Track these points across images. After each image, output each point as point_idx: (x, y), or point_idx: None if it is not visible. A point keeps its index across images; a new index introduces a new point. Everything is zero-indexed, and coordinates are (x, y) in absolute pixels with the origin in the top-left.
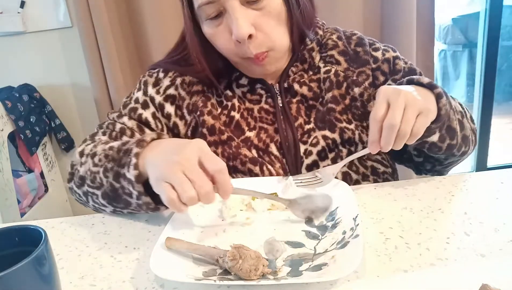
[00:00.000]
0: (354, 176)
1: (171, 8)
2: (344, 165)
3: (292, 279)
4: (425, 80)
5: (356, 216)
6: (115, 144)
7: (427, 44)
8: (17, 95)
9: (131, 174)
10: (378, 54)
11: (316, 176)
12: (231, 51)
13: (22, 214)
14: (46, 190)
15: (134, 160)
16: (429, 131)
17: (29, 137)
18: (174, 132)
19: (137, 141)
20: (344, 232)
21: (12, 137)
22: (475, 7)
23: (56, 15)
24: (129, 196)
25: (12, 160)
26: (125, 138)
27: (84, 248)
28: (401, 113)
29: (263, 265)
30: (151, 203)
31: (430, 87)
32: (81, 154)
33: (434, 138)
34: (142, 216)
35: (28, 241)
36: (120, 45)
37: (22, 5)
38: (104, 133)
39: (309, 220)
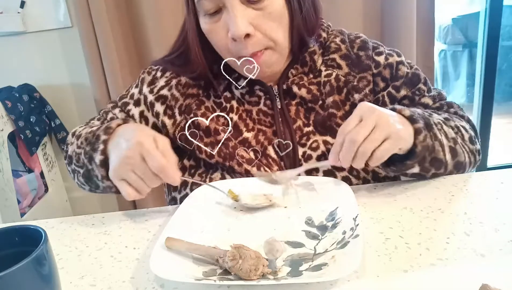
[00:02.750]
0: (354, 180)
1: (171, 8)
2: (344, 170)
3: (292, 279)
4: (406, 112)
5: (356, 216)
6: (95, 128)
7: (427, 44)
8: (17, 95)
9: (97, 159)
10: (381, 59)
11: (273, 179)
12: (225, 49)
13: (22, 214)
14: (46, 190)
15: (101, 146)
16: (405, 166)
17: (29, 137)
18: (162, 131)
19: (104, 128)
20: (344, 232)
21: (12, 137)
22: (475, 7)
23: (56, 15)
24: (97, 178)
25: (12, 160)
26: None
27: (84, 248)
28: (367, 131)
29: (263, 265)
30: (112, 187)
31: (410, 121)
32: (73, 134)
33: (414, 170)
34: (142, 216)
35: (28, 241)
36: (120, 45)
37: (22, 5)
38: (98, 119)
39: (309, 220)
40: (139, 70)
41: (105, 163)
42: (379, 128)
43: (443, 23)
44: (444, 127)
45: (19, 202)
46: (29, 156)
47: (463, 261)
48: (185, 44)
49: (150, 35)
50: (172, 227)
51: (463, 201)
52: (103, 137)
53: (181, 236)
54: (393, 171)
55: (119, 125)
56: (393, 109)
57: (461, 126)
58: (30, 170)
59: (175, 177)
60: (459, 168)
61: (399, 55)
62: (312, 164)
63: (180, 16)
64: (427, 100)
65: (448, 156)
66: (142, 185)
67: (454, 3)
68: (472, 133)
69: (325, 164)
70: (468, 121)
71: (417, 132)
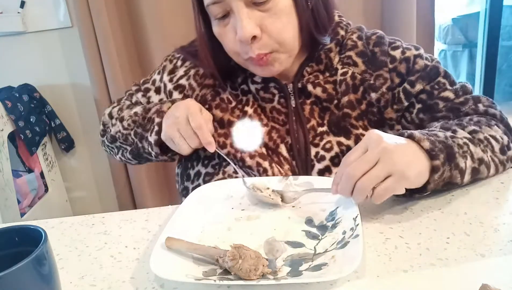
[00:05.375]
0: None
1: (171, 8)
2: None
3: (292, 279)
4: (426, 144)
5: (356, 216)
6: (139, 110)
7: (427, 44)
8: (17, 95)
9: (152, 138)
10: (397, 53)
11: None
12: (235, 52)
13: (22, 214)
14: (46, 190)
15: (156, 128)
16: (411, 197)
17: (29, 137)
18: None
19: (157, 112)
20: (344, 232)
21: (12, 137)
22: (475, 7)
23: (56, 15)
24: (149, 155)
25: (12, 160)
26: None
27: (84, 248)
28: (366, 167)
29: (263, 265)
30: (167, 159)
31: (429, 156)
32: (110, 116)
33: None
34: (142, 216)
35: (28, 241)
36: (120, 45)
37: (22, 5)
38: (127, 99)
39: (309, 220)
40: (139, 70)
41: (158, 142)
42: (381, 164)
43: (443, 23)
44: (471, 147)
45: (19, 202)
46: (29, 156)
47: (463, 261)
48: None
49: (150, 35)
50: (172, 227)
51: (463, 201)
52: (157, 120)
53: (181, 236)
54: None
55: (169, 108)
56: (411, 136)
57: (491, 136)
58: (30, 170)
59: (210, 139)
60: (476, 181)
61: (417, 49)
62: (314, 189)
63: (180, 16)
64: (447, 93)
65: (467, 178)
66: (183, 143)
67: (454, 3)
68: (505, 139)
69: (326, 191)
70: (501, 120)
71: (434, 170)
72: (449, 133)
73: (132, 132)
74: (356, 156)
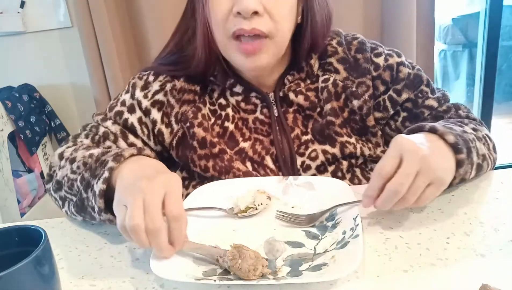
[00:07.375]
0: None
1: (171, 8)
2: (334, 164)
3: (292, 279)
4: (450, 138)
5: (356, 216)
6: (96, 151)
7: (427, 44)
8: (17, 95)
9: (97, 186)
10: (380, 61)
11: (300, 217)
12: (222, 25)
13: (22, 214)
14: None
15: (106, 174)
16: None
17: (29, 137)
18: (158, 139)
19: (114, 155)
20: (344, 232)
21: (12, 137)
22: (475, 7)
23: (56, 15)
24: (92, 209)
25: (12, 160)
26: (108, 143)
27: (84, 248)
28: (410, 180)
29: (262, 265)
30: (113, 219)
31: (454, 149)
32: (61, 156)
33: None
34: None
35: (28, 241)
36: (120, 45)
37: (22, 5)
38: (86, 136)
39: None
40: (139, 70)
41: (105, 194)
42: (423, 175)
43: (443, 23)
44: (477, 143)
45: (19, 202)
46: (29, 156)
47: (463, 261)
48: (181, 44)
49: (150, 35)
50: None
51: (463, 201)
52: (111, 163)
53: None
54: None
55: (132, 155)
56: (434, 130)
57: (486, 135)
58: (30, 170)
59: (166, 254)
60: (477, 177)
61: (399, 56)
62: (337, 205)
63: (180, 16)
64: (431, 102)
65: (473, 173)
66: (138, 215)
67: (454, 3)
68: (494, 141)
69: (355, 204)
70: (481, 124)
71: (459, 164)
72: (460, 128)
73: (79, 177)
74: (392, 166)
